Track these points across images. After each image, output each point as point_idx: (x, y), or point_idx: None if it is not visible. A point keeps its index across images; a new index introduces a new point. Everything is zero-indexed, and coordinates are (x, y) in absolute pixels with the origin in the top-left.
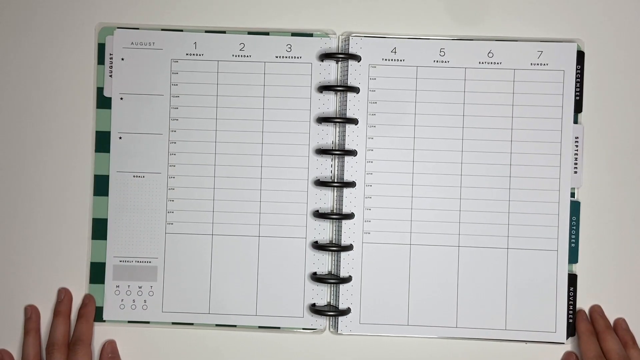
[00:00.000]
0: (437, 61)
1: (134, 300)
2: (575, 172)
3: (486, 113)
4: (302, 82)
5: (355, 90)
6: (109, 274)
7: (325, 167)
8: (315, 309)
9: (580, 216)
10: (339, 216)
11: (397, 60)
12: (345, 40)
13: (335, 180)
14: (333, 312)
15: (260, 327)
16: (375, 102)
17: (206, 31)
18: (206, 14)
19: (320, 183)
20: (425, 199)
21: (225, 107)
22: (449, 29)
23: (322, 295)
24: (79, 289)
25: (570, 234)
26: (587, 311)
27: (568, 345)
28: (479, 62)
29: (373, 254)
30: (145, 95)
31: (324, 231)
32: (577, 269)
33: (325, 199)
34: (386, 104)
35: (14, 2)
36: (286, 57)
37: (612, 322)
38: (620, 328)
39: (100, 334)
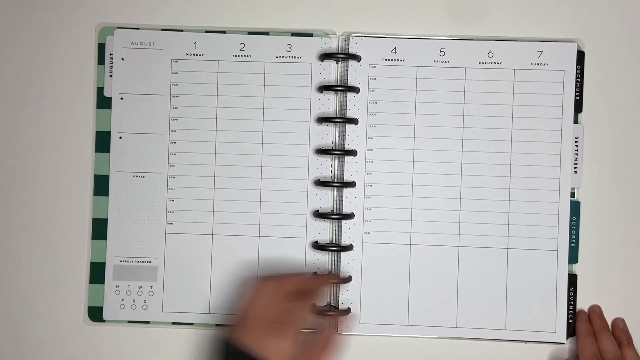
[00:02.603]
0: (437, 61)
1: (134, 300)
2: (575, 172)
3: (486, 113)
4: (302, 82)
5: (355, 90)
6: (109, 274)
7: (325, 167)
8: (315, 309)
9: (580, 216)
10: (339, 216)
11: (397, 60)
12: (345, 40)
13: (335, 180)
14: (333, 312)
15: None
16: (375, 102)
17: (206, 31)
18: (206, 14)
19: (320, 183)
20: (425, 199)
21: (225, 107)
22: (449, 29)
23: (322, 295)
24: (79, 289)
25: (570, 234)
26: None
27: (568, 346)
28: (479, 62)
29: (373, 254)
30: (145, 95)
31: (324, 231)
32: (577, 269)
33: (325, 199)
34: (386, 104)
35: (13, 2)
36: (286, 57)
37: (611, 322)
38: (617, 328)
39: (100, 334)
